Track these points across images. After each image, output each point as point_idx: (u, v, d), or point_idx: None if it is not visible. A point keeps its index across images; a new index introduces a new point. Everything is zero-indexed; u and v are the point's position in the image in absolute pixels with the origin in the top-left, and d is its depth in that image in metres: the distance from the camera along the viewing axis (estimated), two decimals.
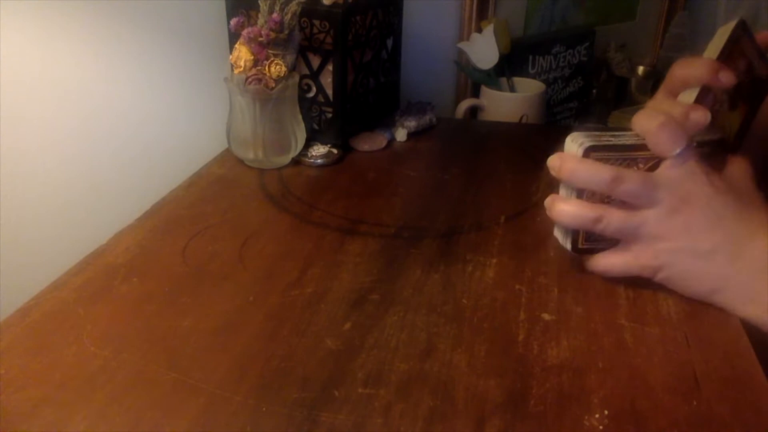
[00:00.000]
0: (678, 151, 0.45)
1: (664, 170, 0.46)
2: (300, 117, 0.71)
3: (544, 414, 0.38)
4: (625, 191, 0.45)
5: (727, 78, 0.48)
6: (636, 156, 0.47)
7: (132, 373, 0.41)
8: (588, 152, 0.47)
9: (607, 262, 0.49)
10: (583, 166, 0.46)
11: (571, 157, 0.47)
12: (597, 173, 0.45)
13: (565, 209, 0.47)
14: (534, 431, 0.37)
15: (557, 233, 0.52)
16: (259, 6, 0.66)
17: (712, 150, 0.51)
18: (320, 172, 0.71)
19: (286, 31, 0.67)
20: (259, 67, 0.67)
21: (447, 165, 0.74)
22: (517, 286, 0.50)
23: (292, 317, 0.46)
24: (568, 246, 0.50)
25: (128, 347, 0.43)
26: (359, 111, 0.77)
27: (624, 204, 0.46)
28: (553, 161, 0.48)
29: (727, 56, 0.50)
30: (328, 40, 0.70)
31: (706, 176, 0.46)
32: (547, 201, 0.49)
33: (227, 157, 0.73)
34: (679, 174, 0.45)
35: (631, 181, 0.45)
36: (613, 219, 0.46)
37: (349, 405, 0.38)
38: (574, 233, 0.49)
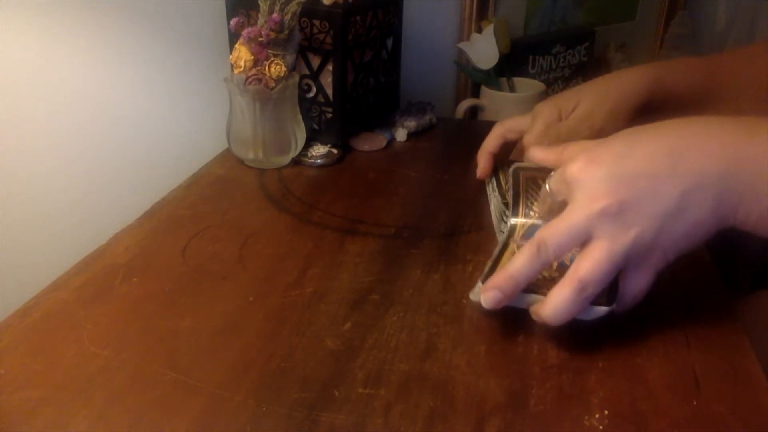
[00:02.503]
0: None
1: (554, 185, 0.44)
2: (300, 117, 0.71)
3: (544, 414, 0.38)
4: (557, 246, 0.41)
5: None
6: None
7: (132, 373, 0.41)
8: (516, 171, 0.53)
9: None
10: (515, 268, 0.42)
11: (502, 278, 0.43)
12: (525, 263, 0.41)
13: (558, 311, 0.41)
14: (534, 431, 0.37)
15: None
16: (259, 6, 0.66)
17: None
18: (320, 172, 0.71)
19: (286, 31, 0.67)
20: (259, 67, 0.67)
21: (447, 165, 0.74)
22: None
23: (292, 317, 0.46)
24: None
25: (128, 347, 0.43)
26: (359, 111, 0.77)
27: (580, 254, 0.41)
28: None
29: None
30: (328, 40, 0.70)
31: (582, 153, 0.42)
32: (534, 316, 0.43)
33: (227, 157, 0.73)
34: (566, 176, 0.42)
35: (555, 235, 0.41)
36: (592, 279, 0.40)
37: (349, 405, 0.38)
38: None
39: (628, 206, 0.40)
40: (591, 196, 0.40)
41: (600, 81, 0.61)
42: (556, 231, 0.41)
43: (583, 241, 0.41)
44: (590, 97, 0.59)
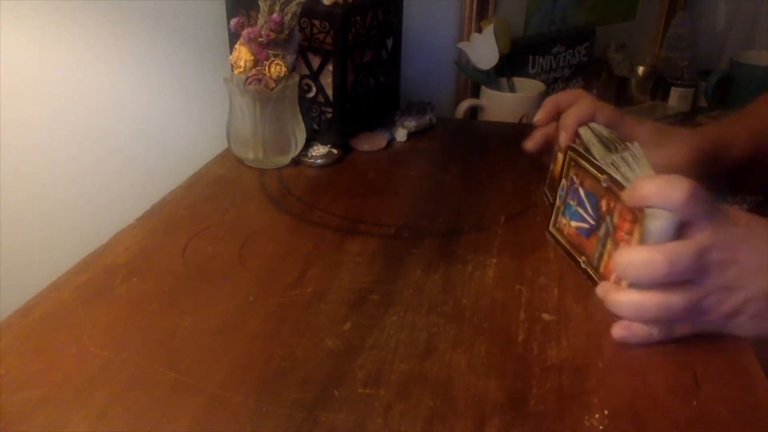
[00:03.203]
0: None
1: (697, 234, 0.41)
2: (300, 117, 0.71)
3: (544, 414, 0.38)
4: (679, 272, 0.41)
5: None
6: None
7: (132, 373, 0.41)
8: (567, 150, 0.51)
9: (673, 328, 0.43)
10: (635, 261, 0.42)
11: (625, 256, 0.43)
12: (649, 268, 0.41)
13: (623, 302, 0.43)
14: (534, 431, 0.37)
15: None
16: (259, 6, 0.66)
17: None
18: (320, 172, 0.71)
19: (286, 31, 0.67)
20: (259, 67, 0.67)
21: (447, 165, 0.74)
22: (517, 286, 0.50)
23: (292, 317, 0.46)
24: None
25: (128, 347, 0.43)
26: (359, 111, 0.77)
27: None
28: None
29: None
30: (328, 40, 0.70)
31: (733, 218, 0.43)
32: (599, 291, 0.46)
33: (227, 157, 0.73)
34: (713, 230, 0.41)
35: (683, 258, 0.40)
36: (675, 304, 0.41)
37: (349, 405, 0.38)
38: None
39: (739, 264, 0.41)
40: (726, 249, 0.41)
41: (660, 127, 0.62)
42: (687, 254, 0.41)
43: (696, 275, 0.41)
44: (647, 135, 0.59)
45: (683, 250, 0.40)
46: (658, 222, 0.41)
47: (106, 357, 0.42)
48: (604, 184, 0.46)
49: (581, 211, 0.50)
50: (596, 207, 0.48)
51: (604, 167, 0.47)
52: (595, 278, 0.48)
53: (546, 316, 0.46)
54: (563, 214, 0.53)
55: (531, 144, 0.64)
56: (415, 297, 0.49)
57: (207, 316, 0.46)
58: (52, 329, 0.44)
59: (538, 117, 0.62)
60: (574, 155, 0.51)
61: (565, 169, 0.53)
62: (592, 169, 0.48)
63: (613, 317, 0.46)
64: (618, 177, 0.45)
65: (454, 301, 0.48)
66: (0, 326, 0.44)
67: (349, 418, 0.37)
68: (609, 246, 0.47)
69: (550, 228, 0.55)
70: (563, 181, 0.53)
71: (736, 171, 0.62)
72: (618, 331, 0.44)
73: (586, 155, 0.50)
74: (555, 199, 0.55)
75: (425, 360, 0.42)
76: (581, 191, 0.50)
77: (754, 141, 0.63)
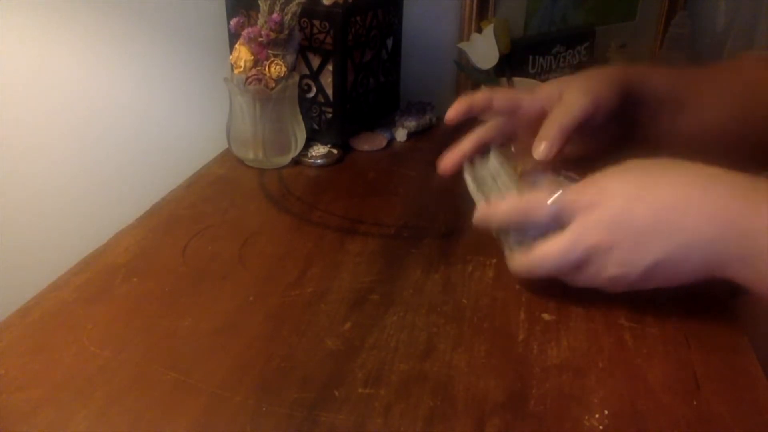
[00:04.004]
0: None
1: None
2: (300, 117, 0.71)
3: (544, 414, 0.38)
4: (550, 268, 0.45)
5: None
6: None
7: (132, 373, 0.41)
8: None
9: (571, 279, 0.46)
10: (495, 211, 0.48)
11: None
12: (505, 217, 0.47)
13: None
14: (534, 431, 0.37)
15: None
16: (259, 6, 0.66)
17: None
18: (320, 172, 0.71)
19: (286, 31, 0.67)
20: (259, 67, 0.67)
21: None
22: (517, 286, 0.50)
23: (292, 317, 0.46)
24: None
25: (128, 347, 0.43)
26: (359, 111, 0.77)
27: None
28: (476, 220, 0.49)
29: None
30: (328, 40, 0.70)
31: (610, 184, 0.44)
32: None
33: (227, 157, 0.73)
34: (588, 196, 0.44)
35: (547, 258, 0.45)
36: (547, 256, 0.45)
37: (349, 405, 0.38)
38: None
39: (619, 249, 0.42)
40: (589, 231, 0.43)
41: (582, 74, 0.59)
42: (549, 254, 0.44)
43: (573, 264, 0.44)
44: (573, 86, 0.57)
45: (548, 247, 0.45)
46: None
47: (106, 357, 0.42)
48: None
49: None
50: None
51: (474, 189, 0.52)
52: None
53: (546, 316, 0.46)
54: (508, 244, 0.54)
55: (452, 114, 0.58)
56: (415, 297, 0.49)
57: (207, 316, 0.46)
58: (52, 329, 0.44)
59: (449, 115, 0.58)
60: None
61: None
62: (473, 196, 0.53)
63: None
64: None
65: (454, 301, 0.48)
66: (0, 326, 0.44)
67: (349, 418, 0.37)
68: None
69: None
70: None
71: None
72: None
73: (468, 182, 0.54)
74: None
75: (425, 360, 0.42)
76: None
77: (726, 103, 0.58)
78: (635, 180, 0.44)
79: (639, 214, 0.42)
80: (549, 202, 0.45)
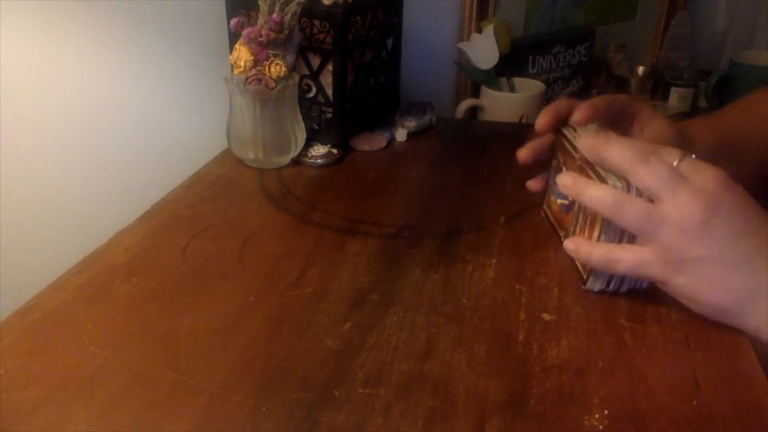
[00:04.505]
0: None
1: (686, 167, 0.44)
2: (300, 117, 0.71)
3: (544, 414, 0.38)
4: (650, 173, 0.43)
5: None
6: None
7: (132, 373, 0.41)
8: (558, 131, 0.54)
9: (617, 254, 0.45)
10: (612, 141, 0.46)
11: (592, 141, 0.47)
12: (624, 147, 0.45)
13: (591, 193, 0.45)
14: (534, 431, 0.37)
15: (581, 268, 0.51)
16: (259, 6, 0.66)
17: None
18: (320, 172, 0.71)
19: (286, 31, 0.67)
20: (259, 67, 0.67)
21: (447, 165, 0.74)
22: (517, 286, 0.50)
23: (292, 317, 0.46)
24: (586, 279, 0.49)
25: (128, 347, 0.43)
26: (359, 111, 0.77)
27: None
28: (565, 180, 0.48)
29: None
30: (328, 40, 0.70)
31: (734, 187, 0.43)
32: (570, 245, 0.48)
33: (227, 157, 0.73)
34: (701, 173, 0.43)
35: (657, 164, 0.43)
36: (633, 207, 0.43)
37: (349, 405, 0.38)
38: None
39: (707, 231, 0.42)
40: (708, 201, 0.42)
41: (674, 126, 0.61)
42: (661, 163, 0.43)
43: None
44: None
45: (658, 158, 0.44)
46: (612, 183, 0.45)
47: (106, 357, 0.42)
48: (578, 162, 0.49)
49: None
50: None
51: (577, 145, 0.50)
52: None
53: (546, 316, 0.46)
54: (553, 192, 0.57)
55: (524, 155, 0.59)
56: (415, 297, 0.49)
57: (207, 316, 0.46)
58: (52, 329, 0.44)
59: (538, 124, 0.58)
60: (560, 137, 0.54)
61: (555, 149, 0.56)
62: (569, 148, 0.52)
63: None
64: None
65: (454, 301, 0.48)
66: (0, 326, 0.44)
67: (349, 418, 0.37)
68: (581, 221, 0.49)
69: (544, 206, 0.60)
70: (554, 160, 0.57)
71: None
72: (568, 244, 0.48)
73: (567, 135, 0.53)
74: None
75: (425, 360, 0.42)
76: (564, 170, 0.53)
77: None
78: (741, 220, 0.43)
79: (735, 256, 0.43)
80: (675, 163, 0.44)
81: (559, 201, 0.56)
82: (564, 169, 0.54)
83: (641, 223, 0.43)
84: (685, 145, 0.55)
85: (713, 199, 0.42)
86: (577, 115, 0.53)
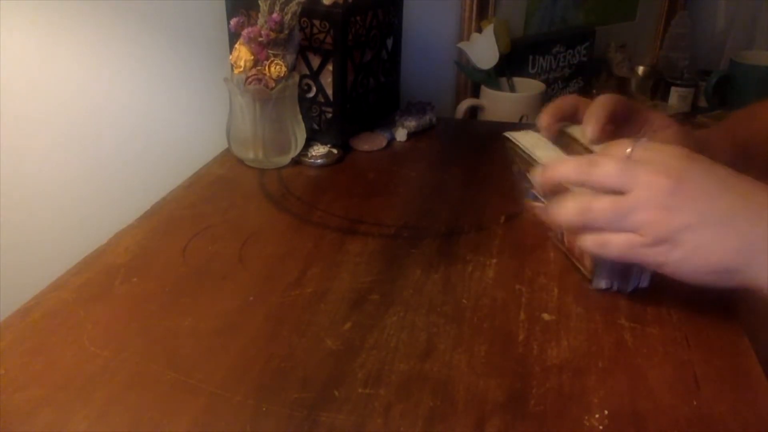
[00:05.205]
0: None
1: (640, 153, 0.43)
2: (300, 117, 0.71)
3: (544, 414, 0.38)
4: (603, 173, 0.43)
5: None
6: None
7: (132, 373, 0.41)
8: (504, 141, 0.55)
9: (605, 239, 0.44)
10: (559, 165, 0.46)
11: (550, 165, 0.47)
12: (571, 165, 0.45)
13: (558, 211, 0.45)
14: (534, 431, 0.37)
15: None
16: (259, 6, 0.66)
17: None
18: (320, 172, 0.71)
19: (286, 31, 0.67)
20: (259, 67, 0.67)
21: (447, 165, 0.74)
22: (517, 286, 0.50)
23: (292, 317, 0.46)
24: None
25: (128, 347, 0.43)
26: (359, 111, 0.77)
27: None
28: (536, 175, 0.48)
29: None
30: (328, 40, 0.70)
31: (696, 157, 0.43)
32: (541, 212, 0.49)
33: (227, 157, 0.73)
34: (657, 152, 0.43)
35: (606, 163, 0.43)
36: (600, 207, 0.43)
37: (349, 405, 0.38)
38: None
39: (683, 198, 0.41)
40: (667, 172, 0.42)
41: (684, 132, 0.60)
42: (612, 159, 0.43)
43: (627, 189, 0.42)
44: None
45: (606, 157, 0.44)
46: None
47: (106, 357, 0.42)
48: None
49: (534, 192, 0.54)
50: None
51: (537, 155, 0.52)
52: (560, 248, 0.54)
53: (546, 316, 0.46)
54: (525, 195, 0.57)
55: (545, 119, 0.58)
56: (415, 297, 0.49)
57: (207, 316, 0.46)
58: (52, 329, 0.44)
59: (541, 121, 0.58)
60: (510, 145, 0.56)
61: (510, 157, 0.57)
62: (527, 158, 0.53)
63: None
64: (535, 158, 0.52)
65: (454, 301, 0.48)
66: (0, 326, 0.44)
67: (349, 418, 0.37)
68: None
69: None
70: (514, 166, 0.58)
71: None
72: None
73: (518, 145, 0.55)
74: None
75: (425, 360, 0.42)
76: (529, 176, 0.54)
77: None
78: (741, 194, 0.42)
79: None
80: (628, 150, 0.44)
81: (534, 203, 0.56)
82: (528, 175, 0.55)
83: (614, 216, 0.43)
84: (702, 151, 0.55)
85: (677, 168, 0.42)
86: (542, 120, 0.55)
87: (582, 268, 0.51)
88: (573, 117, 0.56)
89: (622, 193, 0.42)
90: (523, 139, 0.55)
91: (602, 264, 0.48)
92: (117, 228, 0.57)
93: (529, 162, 0.53)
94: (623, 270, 0.48)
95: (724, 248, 0.41)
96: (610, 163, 0.43)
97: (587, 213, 0.43)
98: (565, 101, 0.57)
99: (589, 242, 0.45)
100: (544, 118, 0.56)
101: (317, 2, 0.69)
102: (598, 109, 0.52)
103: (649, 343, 0.44)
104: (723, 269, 0.41)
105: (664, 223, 0.41)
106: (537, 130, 0.56)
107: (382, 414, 0.38)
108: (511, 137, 0.56)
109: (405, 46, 0.83)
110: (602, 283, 0.49)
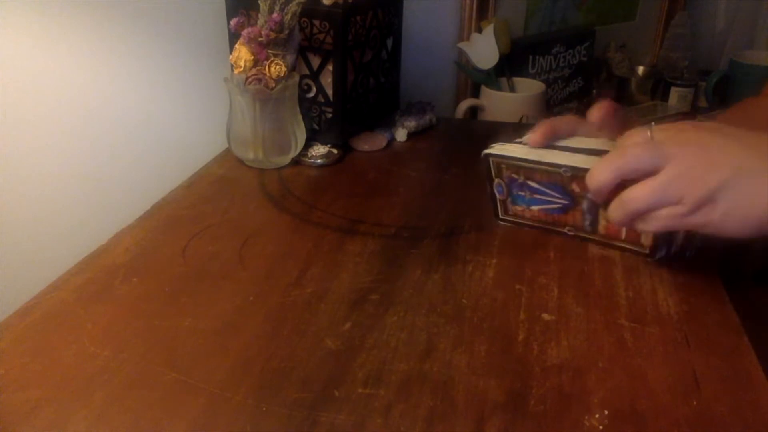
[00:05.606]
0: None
1: (658, 133, 0.46)
2: (300, 117, 0.71)
3: (544, 414, 0.38)
4: (634, 159, 0.44)
5: None
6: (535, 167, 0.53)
7: (132, 373, 0.41)
8: (486, 157, 0.56)
9: (651, 216, 0.45)
10: (592, 171, 0.47)
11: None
12: (602, 164, 0.46)
13: (608, 215, 0.47)
14: (534, 431, 0.37)
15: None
16: (259, 6, 0.66)
17: None
18: (320, 172, 0.71)
19: (286, 31, 0.67)
20: (259, 67, 0.67)
21: (447, 165, 0.74)
22: (517, 286, 0.50)
23: (292, 317, 0.46)
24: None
25: (128, 347, 0.43)
26: (359, 111, 0.77)
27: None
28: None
29: None
30: (328, 40, 0.70)
31: (711, 123, 0.46)
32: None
33: (227, 157, 0.73)
34: (674, 128, 0.45)
35: (634, 148, 0.45)
36: (637, 195, 0.44)
37: (349, 405, 0.38)
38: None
39: (712, 161, 0.43)
40: (685, 143, 0.44)
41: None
42: (637, 142, 0.46)
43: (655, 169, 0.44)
44: None
45: (629, 141, 0.46)
46: None
47: (106, 357, 0.42)
48: (567, 174, 0.52)
49: (542, 197, 0.56)
50: (565, 191, 0.54)
51: (556, 161, 0.52)
52: (591, 238, 0.55)
53: (546, 316, 0.46)
54: (515, 204, 0.58)
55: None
56: (415, 297, 0.49)
57: (207, 316, 0.46)
58: (52, 329, 0.44)
59: (532, 138, 0.57)
60: (499, 160, 0.56)
61: (495, 172, 0.58)
62: (537, 166, 0.54)
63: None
64: (576, 164, 0.51)
65: (454, 301, 0.48)
66: (0, 326, 0.44)
67: (349, 418, 0.37)
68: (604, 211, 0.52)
69: (502, 216, 0.60)
70: (497, 180, 0.58)
71: None
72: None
73: (515, 157, 0.55)
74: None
75: (425, 360, 0.42)
76: (533, 184, 0.55)
77: None
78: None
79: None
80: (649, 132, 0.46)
81: (536, 207, 0.57)
82: (531, 183, 0.56)
83: (654, 197, 0.44)
84: None
85: (698, 136, 0.44)
86: (533, 138, 0.55)
87: (632, 247, 0.53)
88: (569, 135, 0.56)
89: (653, 174, 0.44)
90: (514, 152, 0.55)
91: (660, 236, 0.51)
92: (117, 228, 0.57)
93: (536, 168, 0.54)
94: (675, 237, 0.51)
95: (762, 197, 0.42)
96: (637, 148, 0.45)
97: (630, 205, 0.45)
98: (562, 121, 0.57)
99: (637, 224, 0.46)
100: (534, 137, 0.56)
101: (317, 2, 0.69)
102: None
103: (649, 343, 0.44)
104: (765, 217, 0.43)
105: (701, 187, 0.43)
106: (518, 143, 0.56)
107: (382, 414, 0.38)
108: (495, 153, 0.56)
109: (405, 46, 0.83)
110: (663, 252, 0.52)
